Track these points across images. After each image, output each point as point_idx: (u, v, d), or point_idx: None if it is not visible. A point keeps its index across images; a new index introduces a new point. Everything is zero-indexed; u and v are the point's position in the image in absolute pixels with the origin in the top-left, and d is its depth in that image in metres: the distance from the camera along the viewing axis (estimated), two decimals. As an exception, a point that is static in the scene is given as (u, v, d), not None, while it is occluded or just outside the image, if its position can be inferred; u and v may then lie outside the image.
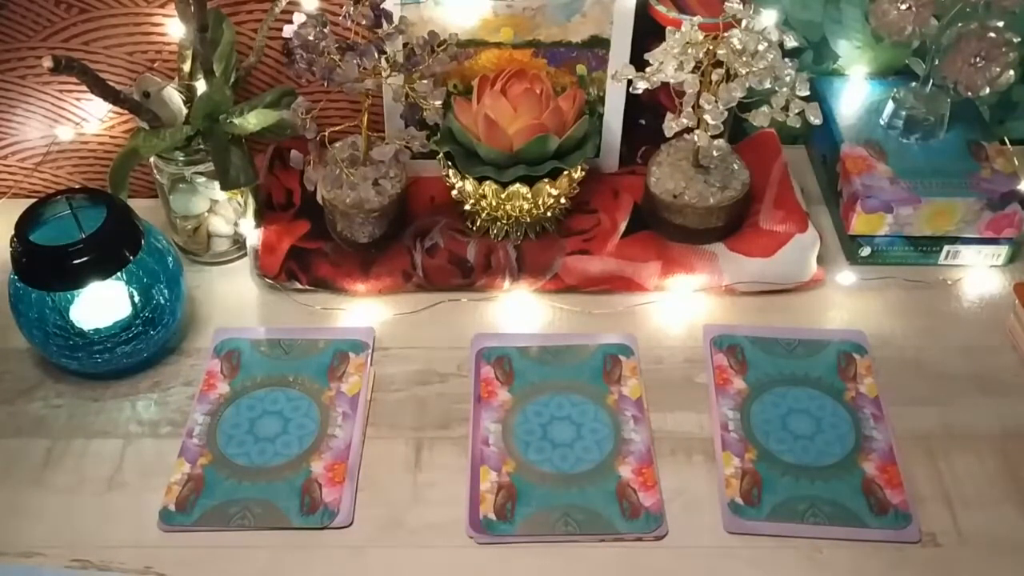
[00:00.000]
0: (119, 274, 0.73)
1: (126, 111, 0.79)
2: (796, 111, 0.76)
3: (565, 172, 0.81)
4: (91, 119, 0.91)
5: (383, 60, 0.76)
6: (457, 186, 0.82)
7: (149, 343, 0.77)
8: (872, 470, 0.71)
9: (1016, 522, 0.69)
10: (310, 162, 0.81)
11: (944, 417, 0.76)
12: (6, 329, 0.79)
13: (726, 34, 0.75)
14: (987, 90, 0.84)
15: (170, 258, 0.78)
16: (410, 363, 0.80)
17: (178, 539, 0.68)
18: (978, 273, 0.88)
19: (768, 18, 0.75)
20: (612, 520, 0.68)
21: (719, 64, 0.75)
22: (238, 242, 0.89)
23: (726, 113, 0.77)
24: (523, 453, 0.73)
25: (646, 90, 0.78)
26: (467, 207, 0.85)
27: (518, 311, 0.84)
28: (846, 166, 0.88)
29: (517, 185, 0.80)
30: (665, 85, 0.77)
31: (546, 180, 0.80)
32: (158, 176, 0.85)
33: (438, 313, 0.84)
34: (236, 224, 0.88)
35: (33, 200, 0.75)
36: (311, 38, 0.74)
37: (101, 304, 0.74)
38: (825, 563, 0.66)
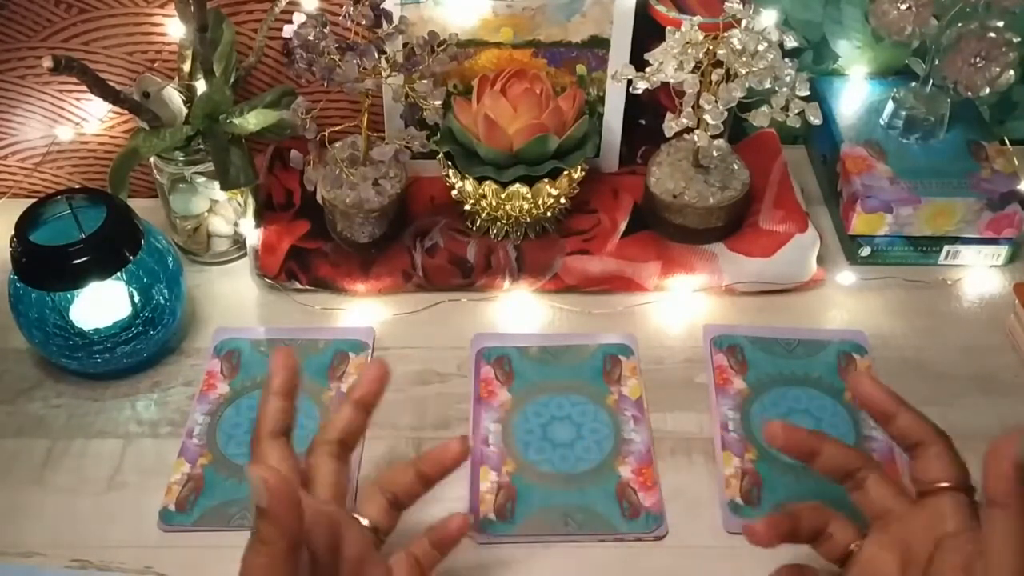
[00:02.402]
0: (119, 274, 0.73)
1: (126, 111, 0.79)
2: (796, 111, 0.75)
3: (565, 172, 0.81)
4: (91, 119, 0.91)
5: (383, 60, 0.76)
6: (457, 186, 0.82)
7: (149, 343, 0.77)
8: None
9: (1016, 522, 0.69)
10: (310, 162, 0.81)
11: (944, 417, 0.75)
12: (6, 329, 0.79)
13: (726, 34, 0.75)
14: (987, 90, 0.84)
15: (170, 258, 0.78)
16: (410, 363, 0.80)
17: (178, 539, 0.68)
18: (978, 273, 0.88)
19: (768, 18, 0.75)
20: (612, 520, 0.68)
21: (719, 64, 0.75)
22: (238, 242, 0.89)
23: (726, 113, 0.77)
24: (523, 453, 0.73)
25: (646, 90, 0.78)
26: (467, 207, 0.85)
27: (518, 311, 0.84)
28: (846, 166, 0.88)
29: (517, 185, 0.80)
30: (665, 85, 0.77)
31: (546, 180, 0.80)
32: (158, 176, 0.85)
33: (438, 313, 0.84)
34: (236, 224, 0.88)
35: (33, 200, 0.75)
36: (311, 38, 0.74)
37: (101, 304, 0.74)
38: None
